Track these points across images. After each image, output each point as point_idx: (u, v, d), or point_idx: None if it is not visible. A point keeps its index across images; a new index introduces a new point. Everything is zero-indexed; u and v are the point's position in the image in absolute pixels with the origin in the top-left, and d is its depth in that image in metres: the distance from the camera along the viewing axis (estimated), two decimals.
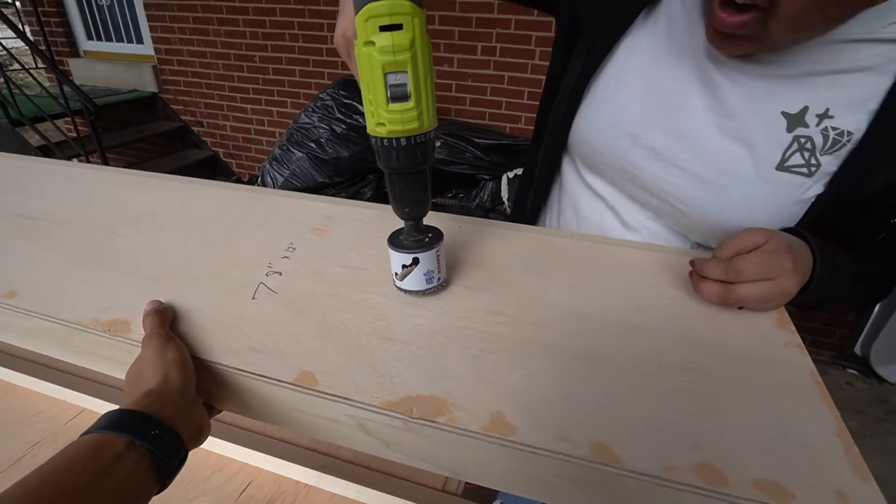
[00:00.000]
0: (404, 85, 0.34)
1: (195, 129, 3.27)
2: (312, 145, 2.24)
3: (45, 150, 2.67)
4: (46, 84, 2.99)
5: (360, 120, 2.14)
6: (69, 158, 2.68)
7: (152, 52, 3.12)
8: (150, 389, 0.32)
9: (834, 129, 0.45)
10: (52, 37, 3.31)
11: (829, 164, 0.46)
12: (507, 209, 2.01)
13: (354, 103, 2.13)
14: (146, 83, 3.18)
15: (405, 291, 0.46)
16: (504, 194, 2.03)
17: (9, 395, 0.70)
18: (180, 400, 0.33)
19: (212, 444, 0.61)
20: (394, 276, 0.46)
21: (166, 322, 0.40)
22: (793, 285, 0.42)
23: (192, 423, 0.34)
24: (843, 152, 0.45)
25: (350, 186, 2.29)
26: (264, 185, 2.36)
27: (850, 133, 0.44)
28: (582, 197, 0.63)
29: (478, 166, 2.09)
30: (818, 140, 0.45)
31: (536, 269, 0.51)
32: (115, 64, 3.23)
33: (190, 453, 0.33)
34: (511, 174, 2.05)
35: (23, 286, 0.47)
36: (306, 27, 2.57)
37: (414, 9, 0.32)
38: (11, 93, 2.55)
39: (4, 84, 2.53)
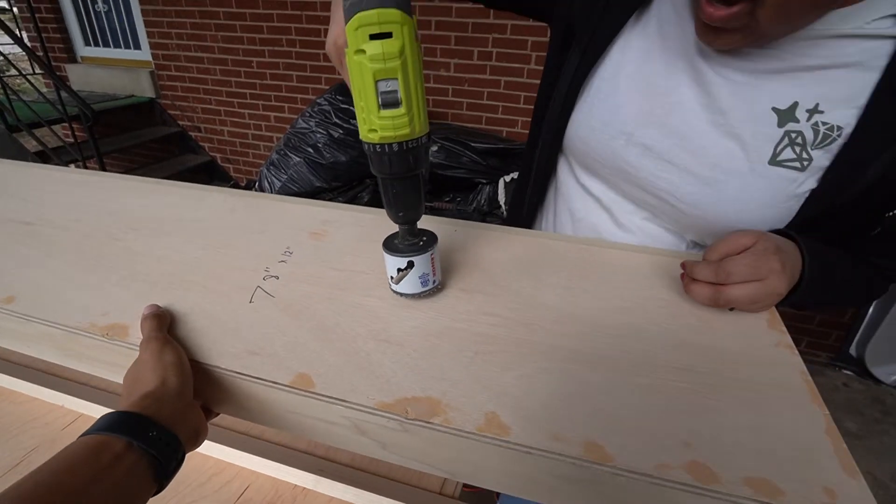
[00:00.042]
0: (395, 92, 0.35)
1: (193, 134, 3.28)
2: (310, 150, 2.25)
3: (43, 156, 2.67)
4: (44, 90, 3.00)
5: (357, 125, 2.15)
6: (66, 164, 2.68)
7: (150, 58, 3.12)
8: (148, 392, 0.33)
9: (824, 123, 0.46)
10: (50, 42, 3.31)
11: (821, 158, 0.46)
12: (504, 213, 2.02)
13: (351, 108, 2.14)
14: (143, 89, 3.19)
15: (401, 295, 0.46)
16: (501, 198, 2.04)
17: (5, 400, 0.70)
18: (178, 402, 0.34)
19: (209, 449, 0.61)
20: (389, 280, 0.46)
21: (164, 326, 0.41)
22: (782, 285, 0.43)
23: (190, 426, 0.34)
24: (835, 147, 0.46)
25: (348, 191, 2.30)
26: (262, 189, 2.37)
27: (839, 128, 0.45)
28: (577, 199, 0.64)
29: (475, 170, 2.10)
30: (809, 135, 0.46)
31: (530, 271, 0.52)
32: (112, 69, 3.24)
33: (187, 457, 0.33)
34: (508, 178, 2.06)
35: (21, 291, 0.48)
36: (303, 32, 2.58)
37: (403, 17, 0.33)
38: (9, 98, 2.55)
39: (1, 90, 2.53)
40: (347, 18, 0.33)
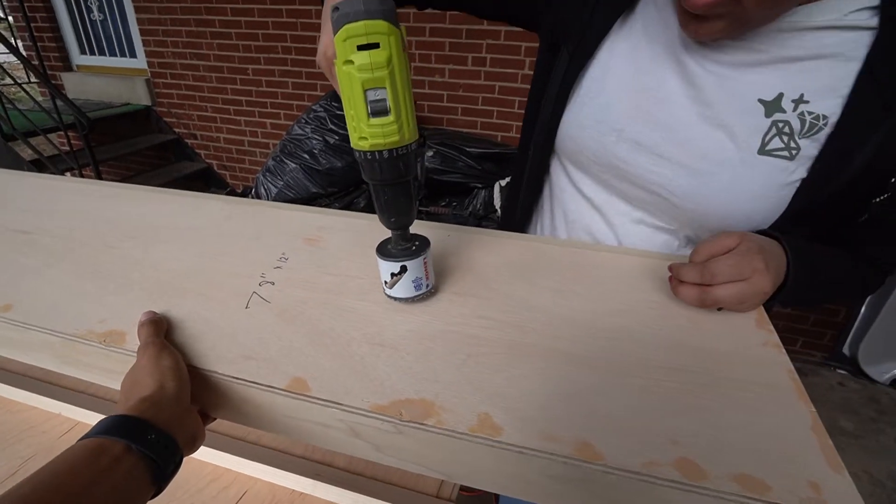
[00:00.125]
0: (384, 100, 0.36)
1: (189, 141, 3.28)
2: (306, 156, 2.26)
3: (39, 165, 2.67)
4: (39, 98, 3.00)
5: None
6: (62, 172, 2.68)
7: (145, 66, 3.13)
8: (146, 396, 0.33)
9: (810, 113, 0.47)
10: (45, 51, 3.31)
11: (809, 147, 0.48)
12: (500, 217, 2.03)
13: None
14: (139, 96, 3.19)
15: (394, 299, 0.47)
16: (496, 202, 2.05)
17: (2, 409, 0.70)
18: (176, 407, 0.34)
19: (206, 455, 0.62)
20: (383, 285, 0.47)
21: (161, 331, 0.41)
22: (767, 284, 0.44)
23: (187, 430, 0.35)
24: (822, 136, 0.47)
25: (344, 196, 2.30)
26: (258, 196, 2.37)
27: (825, 117, 0.46)
28: (570, 200, 0.65)
29: (470, 175, 2.11)
30: (796, 124, 0.47)
31: (523, 275, 0.52)
32: (108, 78, 3.24)
33: (185, 463, 0.34)
34: (503, 182, 2.07)
35: (18, 299, 0.48)
36: (299, 40, 2.60)
37: (390, 28, 0.34)
38: (4, 107, 2.55)
39: None
40: (335, 30, 0.34)
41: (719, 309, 0.46)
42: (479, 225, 2.02)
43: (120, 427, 0.30)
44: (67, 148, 2.73)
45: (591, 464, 0.32)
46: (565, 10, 0.58)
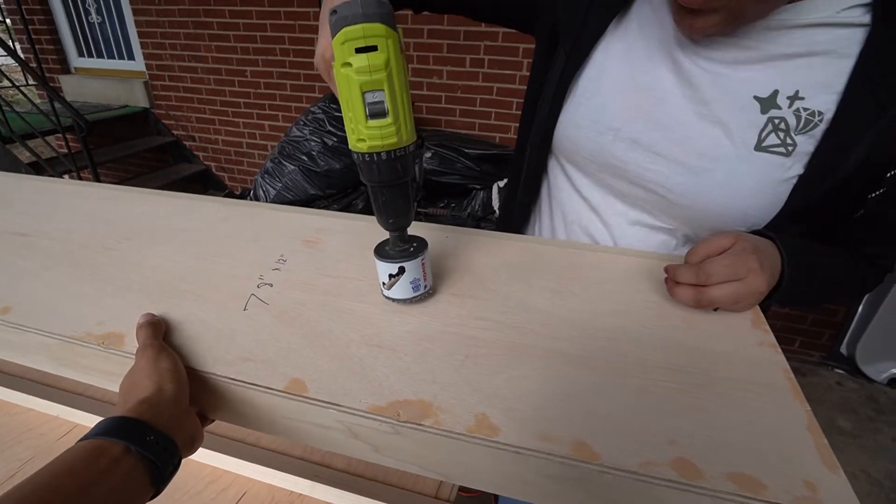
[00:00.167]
0: (381, 102, 0.36)
1: (187, 143, 3.28)
2: (304, 158, 2.26)
3: (37, 167, 2.66)
4: (37, 101, 2.99)
5: None
6: (60, 175, 2.67)
7: (143, 69, 3.13)
8: (144, 398, 0.33)
9: (805, 109, 0.47)
10: (43, 54, 3.31)
11: (805, 143, 0.48)
12: (498, 218, 2.03)
13: None
14: (137, 99, 3.19)
15: (393, 300, 0.47)
16: (495, 203, 2.06)
17: (0, 411, 0.70)
18: (174, 408, 0.34)
19: (205, 457, 0.62)
20: (381, 286, 0.47)
21: (159, 333, 0.41)
22: (761, 284, 0.44)
23: (186, 432, 0.35)
24: (817, 133, 0.47)
25: (342, 198, 2.31)
26: (256, 198, 2.37)
27: (821, 113, 0.47)
28: (568, 201, 0.65)
29: (468, 176, 2.11)
30: (791, 121, 0.48)
31: (521, 276, 0.52)
32: (106, 80, 3.24)
33: (183, 465, 0.34)
34: (501, 183, 2.08)
35: (16, 302, 0.48)
36: (297, 42, 2.60)
37: (387, 31, 0.34)
38: (2, 110, 2.55)
39: None
40: (334, 33, 0.34)
41: (715, 309, 0.46)
42: (477, 226, 2.02)
43: (119, 428, 0.30)
44: (65, 150, 2.72)
45: (587, 464, 0.32)
46: (561, 11, 0.58)
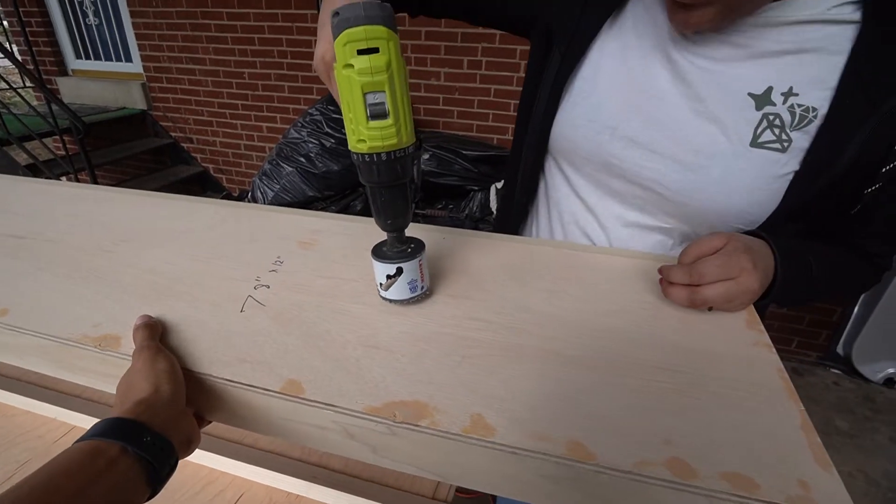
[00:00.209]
0: (382, 104, 0.36)
1: (185, 145, 3.28)
2: (302, 160, 2.26)
3: (34, 169, 2.66)
4: (34, 103, 2.99)
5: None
6: (58, 177, 2.67)
7: (141, 70, 3.13)
8: (141, 399, 0.33)
9: (800, 105, 0.47)
10: (41, 56, 3.31)
11: (801, 140, 0.48)
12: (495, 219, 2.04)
13: (342, 118, 2.15)
14: (135, 101, 3.19)
15: (390, 301, 0.47)
16: (493, 205, 2.06)
17: None
18: (171, 409, 0.34)
19: (202, 458, 0.62)
20: (378, 287, 0.47)
21: (156, 335, 0.42)
22: (754, 283, 0.44)
23: (183, 433, 0.35)
24: (812, 129, 0.48)
25: (340, 199, 2.31)
26: (254, 199, 2.37)
27: (815, 109, 0.47)
28: (565, 202, 0.65)
29: (466, 177, 2.11)
30: (786, 117, 0.48)
31: (517, 276, 0.53)
32: (103, 82, 3.24)
33: (181, 467, 0.34)
34: (499, 184, 2.08)
35: (13, 304, 0.48)
36: (294, 44, 2.60)
37: (389, 33, 0.35)
38: None
39: None
40: (336, 34, 0.35)
41: (710, 309, 0.47)
42: (475, 227, 2.02)
43: (116, 429, 0.30)
44: (63, 152, 2.72)
45: (583, 463, 0.32)
46: (555, 12, 0.59)
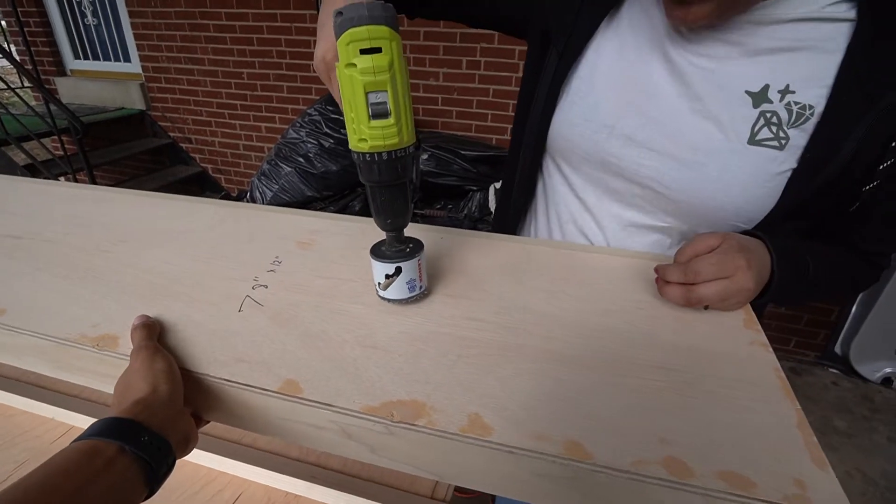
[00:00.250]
0: (384, 103, 0.37)
1: (183, 145, 3.27)
2: (301, 160, 2.26)
3: (32, 170, 2.65)
4: (33, 103, 2.98)
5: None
6: (56, 177, 2.66)
7: (140, 70, 3.12)
8: (139, 398, 0.33)
9: (796, 103, 0.48)
10: (39, 56, 3.31)
11: (798, 137, 0.48)
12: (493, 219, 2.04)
13: (341, 118, 2.16)
14: (134, 101, 3.19)
15: (388, 300, 0.47)
16: (492, 205, 2.06)
17: None
18: (169, 409, 0.34)
19: (201, 458, 0.62)
20: (376, 286, 0.47)
21: (154, 335, 0.42)
22: (749, 281, 0.44)
23: (180, 432, 0.35)
24: (809, 126, 0.48)
25: (339, 200, 2.31)
26: (253, 200, 2.37)
27: (811, 107, 0.47)
28: (562, 202, 0.65)
29: (465, 178, 2.11)
30: (783, 114, 0.48)
31: (515, 276, 0.53)
32: (102, 82, 3.24)
33: (180, 467, 0.34)
34: (498, 185, 2.08)
35: (11, 304, 0.48)
36: (293, 44, 2.60)
37: (392, 33, 0.35)
38: None
39: None
40: (339, 34, 0.35)
41: (706, 307, 0.47)
42: (474, 227, 2.02)
43: (113, 429, 0.30)
44: (61, 152, 2.72)
45: (580, 463, 0.32)
46: (552, 12, 0.59)
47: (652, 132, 0.54)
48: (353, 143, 0.39)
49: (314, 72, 0.48)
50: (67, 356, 0.44)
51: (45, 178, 2.51)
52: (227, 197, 3.19)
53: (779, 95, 0.48)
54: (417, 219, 2.11)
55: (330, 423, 0.37)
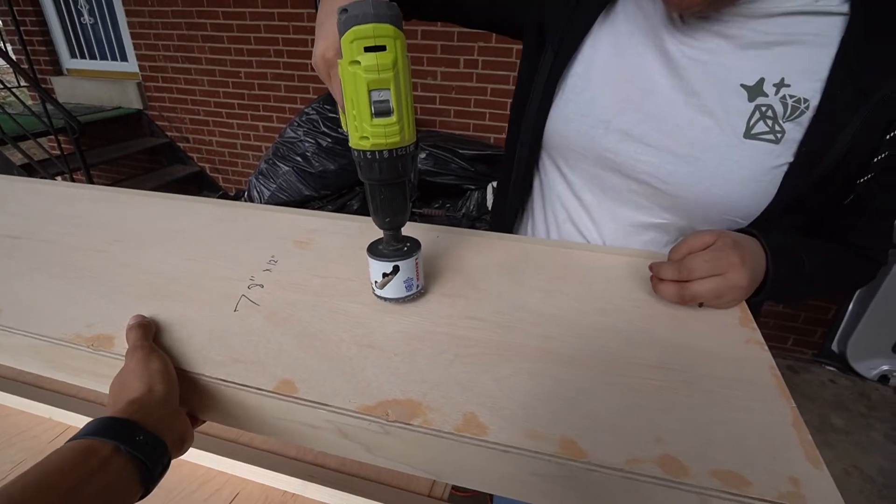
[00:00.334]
0: (387, 101, 0.37)
1: (181, 144, 3.27)
2: (298, 159, 2.25)
3: (29, 169, 2.64)
4: (29, 102, 2.97)
5: (346, 133, 2.16)
6: (53, 177, 2.66)
7: (137, 70, 3.11)
8: (134, 398, 0.33)
9: (791, 96, 0.48)
10: (35, 55, 3.29)
11: (793, 131, 0.48)
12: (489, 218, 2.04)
13: (339, 117, 2.15)
14: (131, 100, 3.18)
15: (385, 299, 0.47)
16: (489, 204, 2.06)
17: None
18: (164, 409, 0.34)
19: (198, 457, 0.62)
20: (373, 285, 0.47)
21: (149, 335, 0.41)
22: (743, 278, 0.45)
23: (176, 432, 0.35)
24: (804, 120, 0.48)
25: (337, 199, 2.30)
26: (251, 199, 2.37)
27: (806, 100, 0.47)
28: (559, 200, 0.66)
29: (463, 177, 2.11)
30: (778, 108, 0.48)
31: (511, 275, 0.53)
32: (99, 81, 3.23)
33: (177, 466, 0.34)
34: (496, 183, 2.08)
35: (6, 304, 0.48)
36: (291, 43, 2.60)
37: (396, 32, 0.35)
38: None
39: None
40: (343, 31, 0.35)
41: (700, 305, 0.47)
42: (472, 226, 2.02)
43: (109, 428, 0.30)
44: (58, 152, 2.71)
45: (575, 461, 0.32)
46: (547, 9, 0.59)
47: (649, 127, 0.54)
48: (354, 141, 0.39)
49: (312, 70, 0.48)
50: (62, 356, 0.44)
51: (41, 177, 2.50)
52: (225, 196, 3.18)
53: (774, 89, 0.48)
54: (415, 218, 2.11)
55: (326, 423, 0.37)
